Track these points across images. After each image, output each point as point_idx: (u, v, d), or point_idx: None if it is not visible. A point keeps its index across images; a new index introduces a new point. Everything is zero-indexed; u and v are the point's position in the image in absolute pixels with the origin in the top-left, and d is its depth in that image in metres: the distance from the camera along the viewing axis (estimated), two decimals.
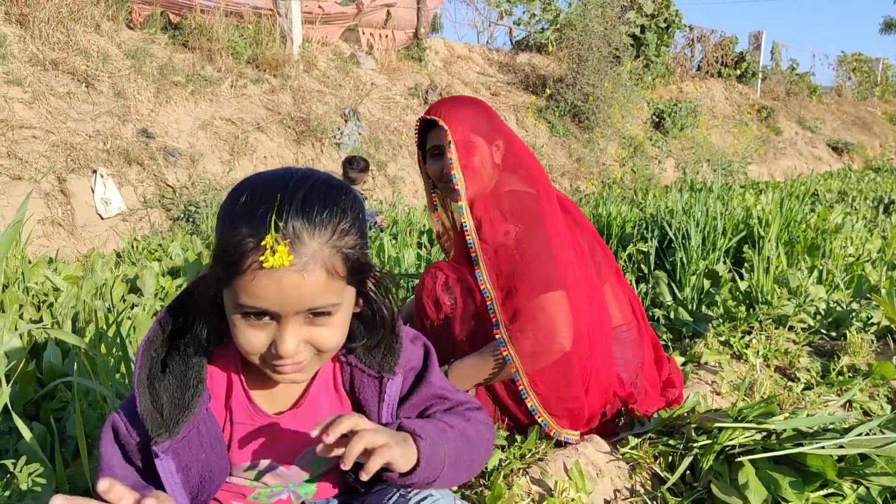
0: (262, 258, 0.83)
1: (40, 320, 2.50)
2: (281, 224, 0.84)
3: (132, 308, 2.82)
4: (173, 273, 3.55)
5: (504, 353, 1.79)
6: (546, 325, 1.76)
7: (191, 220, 5.31)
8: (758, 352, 2.55)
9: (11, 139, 4.93)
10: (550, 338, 1.77)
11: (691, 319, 3.02)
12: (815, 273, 3.37)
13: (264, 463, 1.04)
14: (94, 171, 5.13)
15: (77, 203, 4.96)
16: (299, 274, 0.86)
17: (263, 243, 0.83)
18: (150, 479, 0.96)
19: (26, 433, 1.28)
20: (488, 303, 1.83)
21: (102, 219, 5.02)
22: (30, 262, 3.48)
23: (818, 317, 2.97)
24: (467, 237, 1.88)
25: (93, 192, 5.05)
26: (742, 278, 3.49)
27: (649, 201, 6.40)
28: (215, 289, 0.91)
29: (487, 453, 1.10)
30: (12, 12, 5.90)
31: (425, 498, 1.02)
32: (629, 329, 2.08)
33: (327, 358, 0.97)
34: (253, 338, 0.91)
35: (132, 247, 4.39)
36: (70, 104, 5.56)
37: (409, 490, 1.03)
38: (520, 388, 1.82)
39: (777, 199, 4.10)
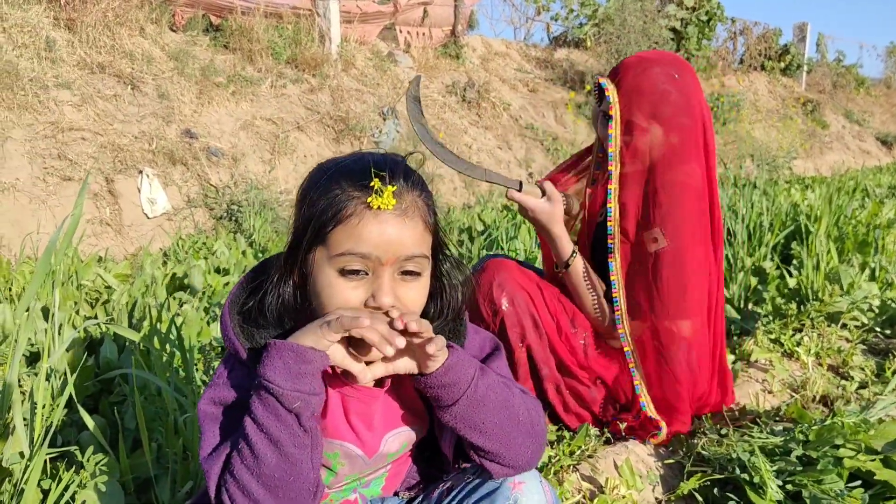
0: (369, 199, 0.89)
1: (95, 317, 2.56)
2: (383, 173, 0.90)
3: (181, 305, 2.88)
4: (220, 271, 3.61)
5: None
6: (665, 353, 1.77)
7: (233, 219, 5.39)
8: (809, 350, 2.50)
9: (62, 141, 5.06)
10: (668, 362, 1.79)
11: (739, 317, 2.96)
12: (868, 270, 3.29)
13: (348, 444, 1.03)
14: (140, 172, 5.24)
15: (124, 203, 5.07)
16: (401, 219, 0.91)
17: (371, 184, 0.89)
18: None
19: (90, 423, 1.31)
20: (615, 294, 1.80)
21: (148, 218, 5.13)
22: (81, 261, 3.58)
23: (871, 314, 2.89)
24: (609, 223, 1.80)
25: (139, 192, 5.16)
26: (790, 276, 3.42)
27: None
28: (304, 256, 0.94)
29: (532, 425, 1.04)
30: (61, 17, 6.05)
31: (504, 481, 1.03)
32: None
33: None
34: (351, 294, 0.92)
35: (178, 245, 4.48)
36: (117, 106, 5.69)
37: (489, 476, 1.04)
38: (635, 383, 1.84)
39: (825, 194, 4.01)
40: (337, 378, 1.02)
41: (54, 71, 5.52)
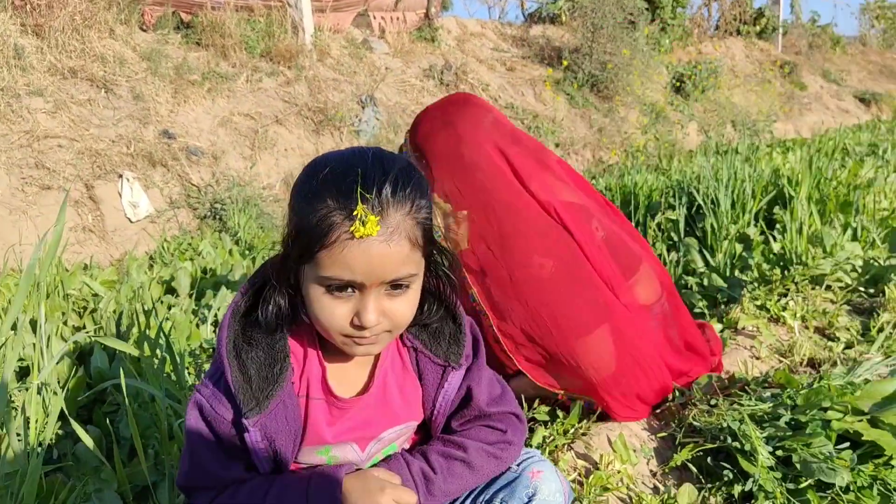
0: (352, 228, 0.88)
1: (83, 327, 2.55)
2: (369, 196, 0.88)
3: (169, 309, 2.87)
4: (206, 272, 3.60)
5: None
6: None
7: (217, 217, 5.36)
8: (795, 314, 2.53)
9: (38, 150, 5.01)
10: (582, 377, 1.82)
11: (725, 285, 2.99)
12: (850, 230, 3.32)
13: (337, 445, 1.07)
14: (120, 176, 5.20)
15: (106, 208, 5.03)
16: (386, 244, 0.90)
17: (355, 213, 0.87)
18: (236, 451, 1.01)
19: (84, 437, 1.32)
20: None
21: (132, 222, 5.09)
22: (66, 270, 3.56)
23: (855, 274, 2.92)
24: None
25: (120, 196, 5.12)
26: (774, 240, 3.45)
27: (674, 167, 6.32)
28: (295, 267, 0.95)
29: (488, 477, 1.13)
30: (28, 23, 5.95)
31: (529, 465, 1.09)
32: (667, 300, 2.07)
33: (397, 334, 1.01)
34: (337, 310, 0.94)
35: (163, 248, 4.45)
36: (91, 111, 5.63)
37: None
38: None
39: (806, 157, 4.03)
40: (326, 388, 1.05)
41: (25, 79, 5.44)
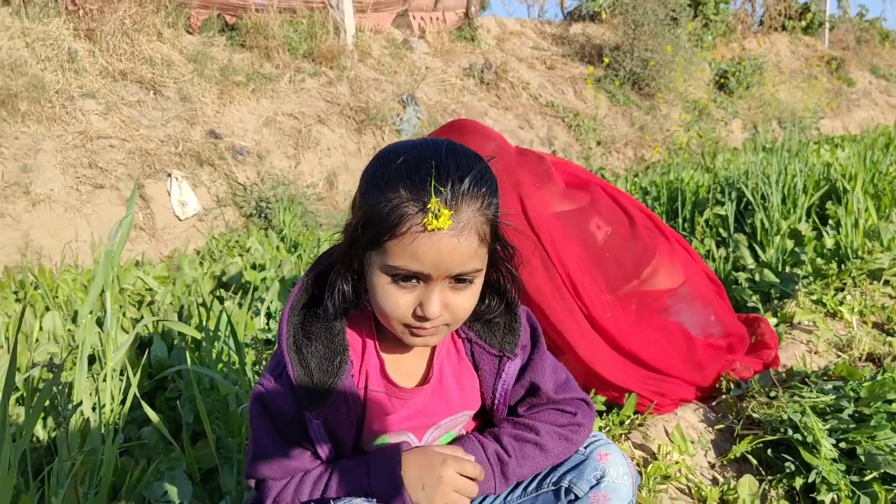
0: (424, 221, 0.88)
1: (141, 318, 2.62)
2: (442, 189, 0.89)
3: (221, 302, 2.93)
4: (255, 267, 3.66)
5: None
6: None
7: (263, 215, 5.45)
8: (853, 308, 2.47)
9: (91, 150, 5.15)
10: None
11: (778, 280, 2.94)
12: None
13: (395, 436, 1.07)
14: (169, 175, 5.31)
15: (156, 207, 5.15)
16: (456, 238, 0.90)
17: (429, 206, 0.87)
18: (298, 442, 1.02)
19: (155, 419, 1.35)
20: None
21: (180, 220, 5.20)
22: (121, 266, 3.65)
23: None
24: None
25: (169, 195, 5.24)
26: (827, 235, 3.38)
27: (718, 164, 6.22)
28: (361, 254, 0.96)
29: (558, 459, 1.13)
30: (80, 28, 6.13)
31: (596, 447, 1.09)
32: (690, 285, 2.05)
33: (456, 327, 1.01)
34: (401, 300, 0.94)
35: (212, 245, 4.54)
36: (141, 112, 5.77)
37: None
38: None
39: (859, 152, 3.94)
40: (386, 379, 1.06)
41: (78, 81, 5.61)
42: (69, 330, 2.69)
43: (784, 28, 13.57)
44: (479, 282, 0.99)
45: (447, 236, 0.89)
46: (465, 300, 0.97)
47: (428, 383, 1.07)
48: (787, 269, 3.11)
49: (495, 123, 7.91)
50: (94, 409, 1.61)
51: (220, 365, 1.98)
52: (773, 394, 1.79)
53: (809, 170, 3.88)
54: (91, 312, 1.60)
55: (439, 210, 0.88)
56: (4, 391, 0.94)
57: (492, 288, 1.06)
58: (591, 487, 1.07)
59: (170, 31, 6.74)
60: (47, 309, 2.92)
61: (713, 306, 2.03)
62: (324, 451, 1.02)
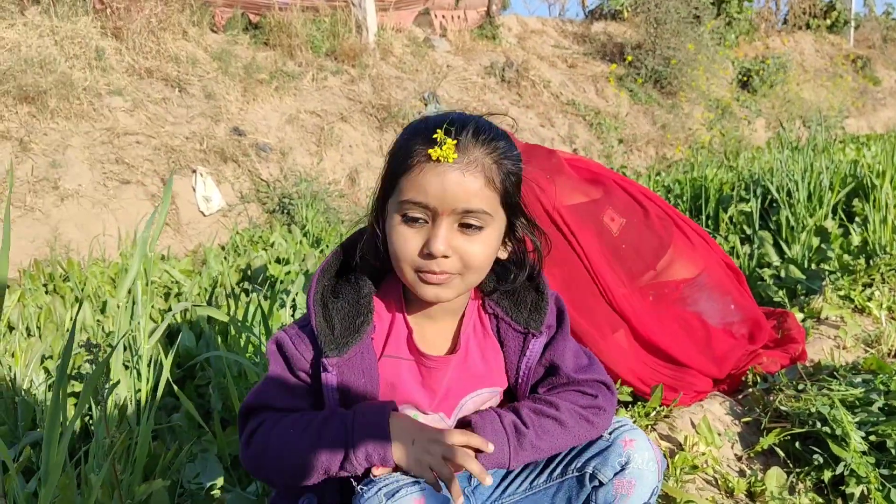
0: (430, 150, 0.94)
1: (169, 309, 2.66)
2: (451, 129, 0.95)
3: (247, 295, 2.96)
4: (280, 261, 3.69)
5: None
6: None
7: (286, 211, 5.49)
8: (881, 304, 2.45)
9: (118, 146, 5.22)
10: None
11: (804, 277, 2.92)
12: None
13: (424, 415, 1.08)
14: (194, 171, 5.37)
15: (181, 202, 5.21)
16: (461, 172, 0.95)
17: (433, 136, 0.94)
18: (303, 392, 1.04)
19: (187, 404, 1.38)
20: None
21: (205, 216, 5.26)
22: (147, 258, 3.70)
23: None
24: None
25: (194, 190, 5.30)
26: (854, 233, 3.34)
27: (741, 163, 6.17)
28: (384, 206, 1.01)
29: (580, 441, 1.12)
30: (107, 26, 6.21)
31: (621, 433, 1.09)
32: (707, 274, 2.04)
33: (470, 283, 1.02)
34: (410, 239, 0.98)
35: (236, 240, 4.59)
36: (166, 109, 5.83)
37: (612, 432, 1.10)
38: None
39: (886, 149, 3.89)
40: (414, 348, 1.07)
41: (105, 79, 5.68)
42: (98, 321, 2.73)
43: (808, 27, 13.41)
44: (490, 231, 1.00)
45: (452, 169, 0.94)
46: (476, 247, 0.99)
47: (456, 352, 1.09)
48: (813, 266, 3.08)
49: (517, 122, 7.91)
50: (128, 391, 1.64)
51: (248, 353, 2.01)
52: (801, 387, 1.78)
53: (836, 167, 3.84)
54: (130, 293, 1.63)
55: (444, 140, 0.93)
56: (60, 373, 0.97)
57: (515, 261, 1.09)
58: (616, 474, 1.06)
59: (195, 29, 6.81)
60: (77, 300, 2.97)
61: (732, 294, 2.03)
62: (330, 403, 1.02)
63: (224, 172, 5.56)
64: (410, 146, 0.97)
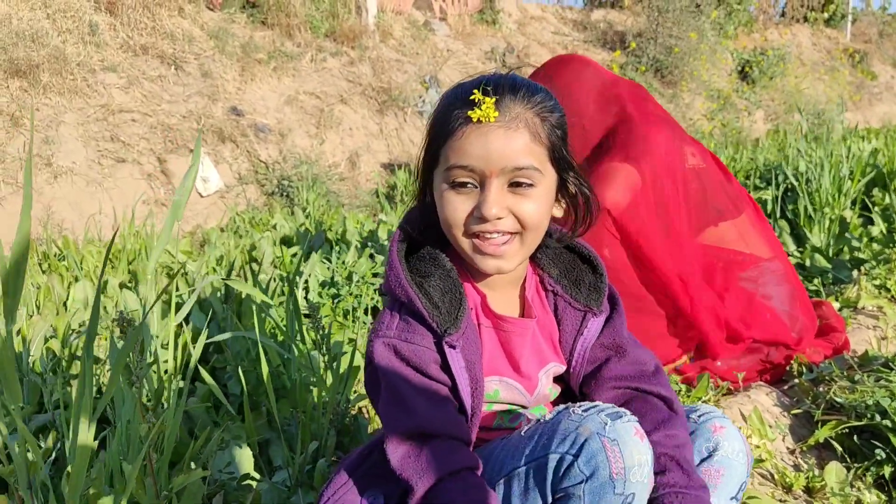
0: (470, 112, 0.91)
1: (176, 288, 2.54)
2: (489, 88, 0.92)
3: (255, 275, 2.84)
4: (285, 242, 3.58)
5: None
6: None
7: (284, 194, 5.36)
8: None
9: (113, 123, 5.06)
10: None
11: (830, 266, 2.84)
12: None
13: (504, 382, 1.02)
14: (191, 151, 5.23)
15: (178, 182, 5.06)
16: (503, 129, 0.91)
17: (471, 97, 0.90)
18: (440, 389, 0.96)
19: (216, 390, 1.27)
20: None
21: (202, 197, 5.12)
22: (144, 239, 3.58)
23: None
24: None
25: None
26: (872, 223, 3.28)
27: (742, 154, 6.09)
28: (429, 179, 0.99)
29: None
30: (101, 1, 6.03)
31: (710, 419, 1.01)
32: (780, 262, 1.97)
33: (529, 243, 0.97)
34: (459, 205, 0.93)
35: (236, 221, 4.46)
36: (162, 87, 5.67)
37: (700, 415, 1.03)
38: None
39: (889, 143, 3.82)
40: (490, 312, 1.01)
41: (99, 55, 5.51)
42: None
43: (806, 20, 13.37)
44: (542, 188, 0.95)
45: (495, 128, 0.91)
46: (529, 205, 0.94)
47: (532, 317, 1.04)
48: (836, 255, 3.01)
49: None
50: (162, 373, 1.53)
51: (273, 335, 1.90)
52: (856, 378, 1.69)
53: (854, 156, 3.77)
54: (132, 272, 1.51)
55: (482, 100, 0.90)
56: (87, 347, 0.85)
57: (567, 215, 1.05)
58: (703, 460, 0.98)
59: (191, 6, 6.63)
60: (76, 279, 2.85)
61: (797, 290, 1.94)
62: (463, 390, 0.95)
63: (222, 153, 5.41)
64: (449, 112, 0.93)
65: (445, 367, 0.94)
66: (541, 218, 0.96)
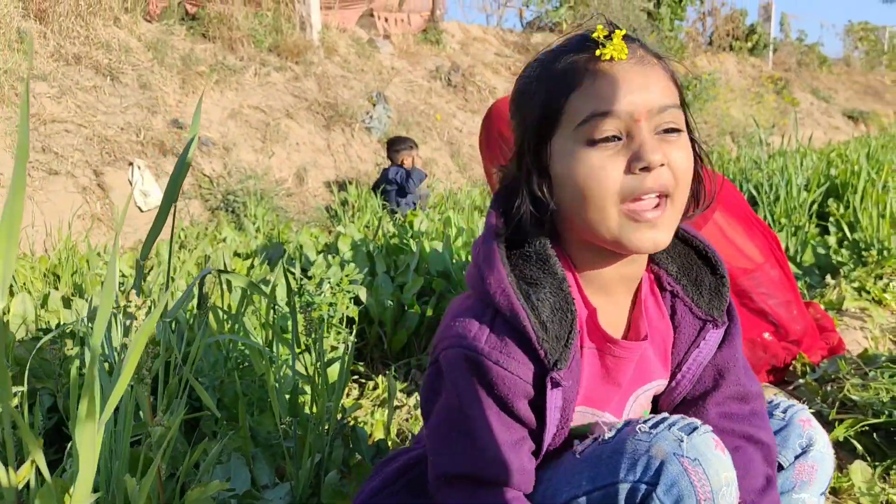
0: (598, 52, 0.76)
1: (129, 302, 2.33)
2: (606, 29, 0.78)
3: (224, 284, 2.66)
4: (239, 255, 3.39)
5: None
6: None
7: (230, 209, 5.14)
8: None
9: (44, 133, 4.75)
10: None
11: (801, 272, 2.86)
12: None
13: (597, 411, 0.85)
14: (130, 164, 4.95)
15: (115, 196, 4.78)
16: (640, 65, 0.77)
17: (594, 36, 0.75)
18: (523, 425, 0.79)
19: (205, 396, 1.11)
20: None
21: (142, 211, 4.85)
22: (82, 255, 3.34)
23: None
24: None
25: (131, 184, 4.88)
26: (828, 233, 3.34)
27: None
28: (540, 157, 0.80)
29: None
30: (30, 7, 5.71)
31: (796, 413, 0.92)
32: (773, 267, 1.93)
33: (679, 206, 0.80)
34: (607, 164, 0.75)
35: (182, 235, 4.23)
36: (98, 98, 5.38)
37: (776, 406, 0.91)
38: None
39: (861, 150, 3.94)
40: (598, 332, 0.83)
41: (28, 63, 5.19)
42: (39, 316, 2.39)
43: (732, 48, 13.97)
44: (685, 135, 0.81)
45: (629, 65, 0.77)
46: (681, 152, 0.79)
47: (645, 339, 0.86)
48: (800, 262, 3.04)
49: (463, 125, 7.78)
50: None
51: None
52: (871, 374, 1.65)
53: (810, 168, 3.85)
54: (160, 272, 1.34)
55: (609, 35, 0.76)
56: (96, 332, 0.70)
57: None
58: (797, 457, 0.89)
59: (127, 16, 6.36)
60: (12, 294, 2.59)
61: (792, 300, 1.90)
62: (550, 433, 0.79)
63: (163, 166, 5.15)
64: (565, 65, 0.78)
65: (537, 405, 0.78)
66: (690, 170, 0.81)
